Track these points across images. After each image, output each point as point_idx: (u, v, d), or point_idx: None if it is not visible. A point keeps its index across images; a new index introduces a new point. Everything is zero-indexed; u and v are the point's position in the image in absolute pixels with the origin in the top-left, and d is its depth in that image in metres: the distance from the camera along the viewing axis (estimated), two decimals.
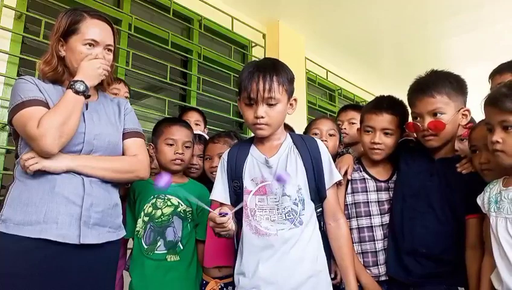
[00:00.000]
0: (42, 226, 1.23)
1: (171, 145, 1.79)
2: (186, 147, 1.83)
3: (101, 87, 1.51)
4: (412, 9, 3.66)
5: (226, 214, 1.15)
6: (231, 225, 1.17)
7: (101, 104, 1.49)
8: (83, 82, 1.32)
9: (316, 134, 1.95)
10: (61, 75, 1.41)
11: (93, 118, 1.41)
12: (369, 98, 5.02)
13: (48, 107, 1.30)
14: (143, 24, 2.98)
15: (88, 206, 1.31)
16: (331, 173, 1.38)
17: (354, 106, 2.31)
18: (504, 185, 1.26)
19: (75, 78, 1.32)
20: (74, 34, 1.38)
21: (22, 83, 1.34)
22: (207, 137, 2.18)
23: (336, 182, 1.40)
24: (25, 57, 2.28)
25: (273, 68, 1.29)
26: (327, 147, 1.90)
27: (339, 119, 2.20)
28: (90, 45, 1.38)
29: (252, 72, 1.28)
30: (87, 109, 1.41)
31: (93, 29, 1.39)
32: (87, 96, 1.35)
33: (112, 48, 1.45)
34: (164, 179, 1.13)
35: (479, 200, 1.32)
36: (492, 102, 1.22)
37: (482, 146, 1.35)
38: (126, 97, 2.32)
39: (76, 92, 1.30)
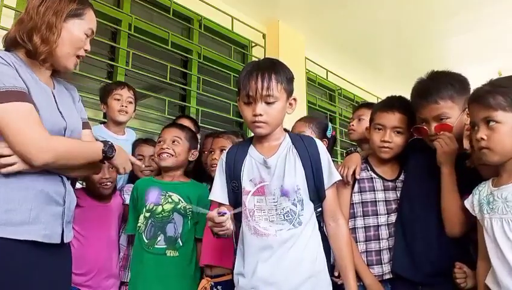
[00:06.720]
0: (26, 228, 1.14)
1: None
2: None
3: (57, 73, 1.38)
4: (412, 10, 3.66)
5: (225, 213, 1.15)
6: (229, 224, 1.17)
7: (62, 92, 1.37)
8: (115, 149, 1.34)
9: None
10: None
11: (65, 111, 1.32)
12: (369, 98, 5.04)
13: (33, 102, 1.18)
14: (143, 24, 2.98)
15: (68, 204, 1.28)
16: (330, 173, 1.37)
17: (367, 104, 2.24)
18: (494, 185, 1.24)
19: (110, 143, 1.34)
20: (77, 18, 1.29)
21: (0, 64, 1.16)
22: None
23: (335, 182, 1.39)
24: None
25: (271, 67, 1.30)
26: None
27: (351, 118, 2.17)
28: (87, 36, 1.33)
29: (251, 71, 1.29)
30: (56, 99, 1.31)
31: (95, 22, 1.37)
32: (110, 158, 1.36)
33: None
34: (153, 195, 1.23)
35: (467, 204, 1.30)
36: (475, 99, 1.23)
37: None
38: (130, 102, 2.24)
39: (105, 155, 1.32)
